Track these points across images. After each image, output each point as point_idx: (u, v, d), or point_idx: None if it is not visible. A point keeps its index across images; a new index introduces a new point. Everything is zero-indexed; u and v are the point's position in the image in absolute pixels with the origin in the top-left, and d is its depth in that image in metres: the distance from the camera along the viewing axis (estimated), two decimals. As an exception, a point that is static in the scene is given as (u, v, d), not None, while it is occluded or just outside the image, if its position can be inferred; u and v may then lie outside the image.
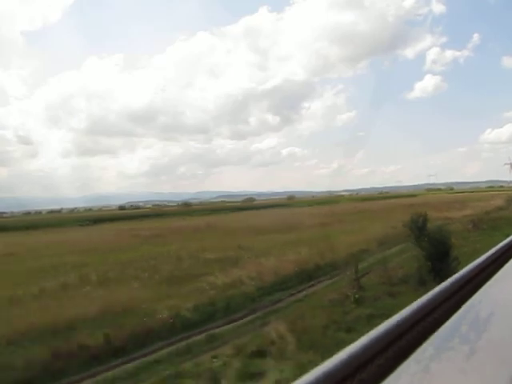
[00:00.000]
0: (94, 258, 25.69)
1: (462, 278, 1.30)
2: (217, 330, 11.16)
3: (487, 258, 1.58)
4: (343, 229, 33.34)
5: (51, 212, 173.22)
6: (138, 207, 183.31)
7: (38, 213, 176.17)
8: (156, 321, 11.84)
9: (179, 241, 33.04)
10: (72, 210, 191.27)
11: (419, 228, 16.69)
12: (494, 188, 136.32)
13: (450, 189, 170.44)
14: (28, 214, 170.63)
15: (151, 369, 8.92)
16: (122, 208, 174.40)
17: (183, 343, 10.36)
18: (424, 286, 13.06)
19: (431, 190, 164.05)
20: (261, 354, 8.97)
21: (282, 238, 29.61)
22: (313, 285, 16.19)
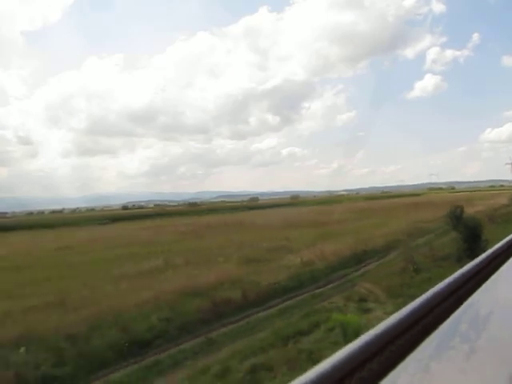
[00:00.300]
0: (155, 249, 28.94)
1: (462, 276, 1.30)
2: (316, 291, 15.37)
3: (486, 257, 1.57)
4: (366, 224, 36.98)
5: (53, 212, 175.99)
6: (141, 207, 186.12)
7: (41, 213, 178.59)
8: (264, 286, 15.97)
9: (219, 235, 35.25)
10: (74, 210, 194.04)
11: (457, 217, 21.06)
12: (494, 187, 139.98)
13: (451, 188, 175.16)
14: (30, 214, 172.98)
15: (290, 311, 13.06)
16: (125, 208, 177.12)
17: (298, 298, 14.54)
18: (461, 262, 17.27)
19: (433, 189, 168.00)
20: (363, 300, 13.18)
21: (316, 232, 32.95)
22: (368, 264, 20.45)
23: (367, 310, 12.26)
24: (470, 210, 45.05)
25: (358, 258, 21.37)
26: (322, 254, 21.51)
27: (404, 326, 0.92)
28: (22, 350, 9.66)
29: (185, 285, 16.15)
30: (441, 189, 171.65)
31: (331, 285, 16.54)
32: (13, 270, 23.56)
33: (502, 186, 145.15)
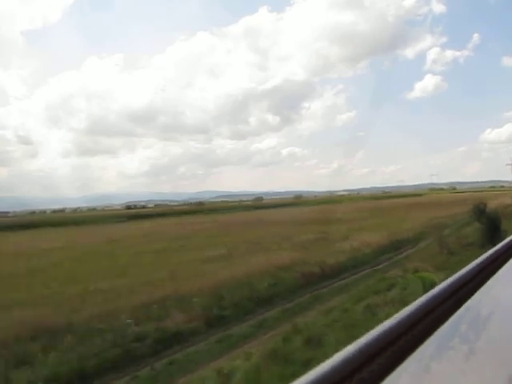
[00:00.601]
0: (201, 242, 32.07)
1: (462, 277, 1.32)
2: (375, 268, 19.88)
3: (487, 258, 1.60)
4: (386, 220, 40.73)
5: (54, 212, 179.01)
6: (144, 206, 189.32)
7: (43, 212, 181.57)
8: (332, 264, 20.38)
9: (250, 230, 37.77)
10: (75, 210, 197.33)
11: (480, 211, 25.75)
12: (495, 188, 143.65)
13: (452, 188, 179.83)
14: (33, 213, 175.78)
15: (364, 279, 17.56)
16: (128, 207, 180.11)
17: (363, 272, 19.04)
18: (484, 248, 21.90)
19: (434, 189, 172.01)
20: (417, 271, 17.67)
21: (343, 227, 36.88)
22: (405, 250, 24.98)
23: (423, 277, 16.77)
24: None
25: (395, 246, 25.87)
26: (365, 242, 25.97)
27: (404, 328, 0.94)
28: (196, 299, 13.99)
29: (267, 264, 20.44)
30: (442, 189, 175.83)
31: (383, 264, 21.08)
32: (89, 258, 27.28)
33: (502, 186, 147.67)
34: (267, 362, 9.32)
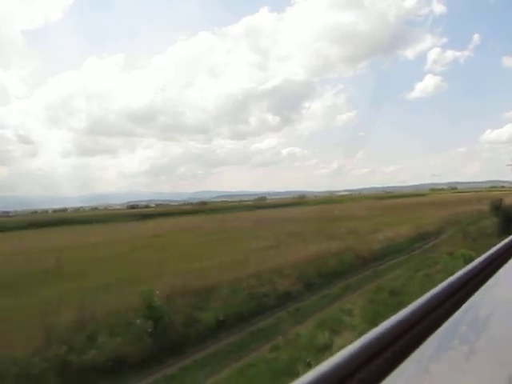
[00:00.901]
0: (251, 235, 33.64)
1: (462, 278, 1.34)
2: (411, 253, 24.53)
3: (486, 258, 1.63)
4: (402, 217, 43.24)
5: (55, 211, 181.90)
6: (147, 206, 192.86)
7: (45, 212, 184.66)
8: (374, 250, 24.92)
9: (281, 226, 39.98)
10: (77, 210, 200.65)
11: (496, 206, 30.64)
12: (496, 188, 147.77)
13: (452, 188, 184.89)
14: (35, 212, 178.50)
15: (408, 260, 22.16)
16: (132, 207, 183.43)
17: (402, 257, 23.67)
18: (500, 236, 26.70)
19: (435, 190, 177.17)
20: (451, 254, 22.27)
21: (366, 223, 38.60)
22: (431, 240, 29.66)
23: (463, 253, 21.41)
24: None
25: (422, 237, 30.52)
26: (396, 234, 30.56)
27: (404, 327, 0.96)
28: (287, 271, 18.50)
29: (321, 250, 24.82)
30: (443, 189, 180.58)
31: (418, 250, 25.73)
32: (152, 248, 29.47)
33: (502, 186, 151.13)
34: (370, 304, 13.85)
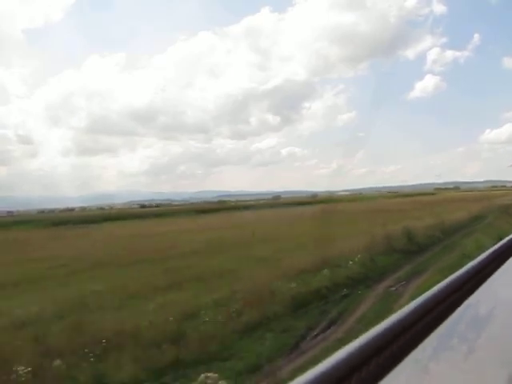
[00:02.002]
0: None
1: (461, 276, 1.37)
2: (479, 224, 35.46)
3: (486, 257, 1.69)
4: (440, 209, 45.61)
5: (62, 211, 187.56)
6: (158, 205, 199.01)
7: (51, 211, 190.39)
8: (449, 225, 35.20)
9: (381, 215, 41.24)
10: (84, 209, 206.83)
11: None
12: (498, 188, 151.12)
13: (456, 188, 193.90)
14: (42, 212, 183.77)
15: (480, 230, 32.88)
16: (143, 206, 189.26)
17: (473, 228, 34.38)
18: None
19: (439, 189, 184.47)
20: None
21: (428, 212, 41.00)
22: (485, 220, 39.49)
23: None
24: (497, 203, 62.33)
25: (476, 219, 38.90)
26: (459, 216, 38.76)
27: (404, 327, 0.98)
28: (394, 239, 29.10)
29: (431, 223, 31.37)
30: (447, 189, 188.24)
31: (479, 225, 35.72)
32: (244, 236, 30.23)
33: (503, 186, 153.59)
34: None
